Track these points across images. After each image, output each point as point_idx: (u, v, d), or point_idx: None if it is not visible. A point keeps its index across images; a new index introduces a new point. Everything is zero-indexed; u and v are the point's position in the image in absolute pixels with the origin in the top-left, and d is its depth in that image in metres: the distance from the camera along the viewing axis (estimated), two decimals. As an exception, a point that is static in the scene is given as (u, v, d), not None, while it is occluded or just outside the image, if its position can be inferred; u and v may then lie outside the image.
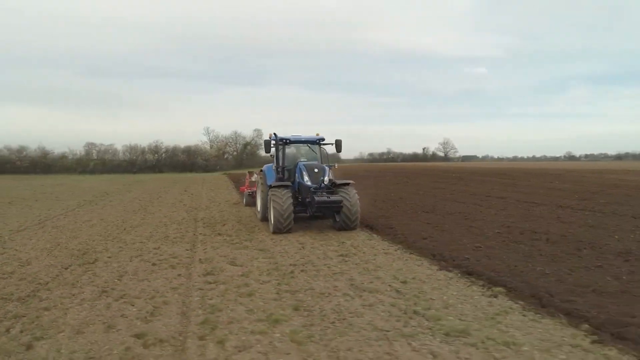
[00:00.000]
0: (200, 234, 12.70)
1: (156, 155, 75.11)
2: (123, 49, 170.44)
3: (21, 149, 73.04)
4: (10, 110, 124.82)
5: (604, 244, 10.01)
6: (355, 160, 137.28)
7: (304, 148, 14.76)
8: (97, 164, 72.90)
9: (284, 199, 11.92)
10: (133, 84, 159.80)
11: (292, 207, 11.98)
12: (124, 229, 13.62)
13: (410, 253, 9.86)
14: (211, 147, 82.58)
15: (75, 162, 73.11)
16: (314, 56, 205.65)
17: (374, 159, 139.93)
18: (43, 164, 70.77)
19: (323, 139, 14.34)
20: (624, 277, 7.49)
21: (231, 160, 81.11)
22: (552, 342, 5.10)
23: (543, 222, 13.24)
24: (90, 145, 78.66)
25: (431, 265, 8.81)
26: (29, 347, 5.15)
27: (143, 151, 74.97)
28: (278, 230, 12.01)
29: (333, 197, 12.13)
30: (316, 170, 12.87)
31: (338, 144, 14.11)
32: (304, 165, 13.06)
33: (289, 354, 4.88)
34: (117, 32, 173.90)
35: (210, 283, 7.63)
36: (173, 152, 75.63)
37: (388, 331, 5.45)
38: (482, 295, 6.88)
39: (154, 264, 9.02)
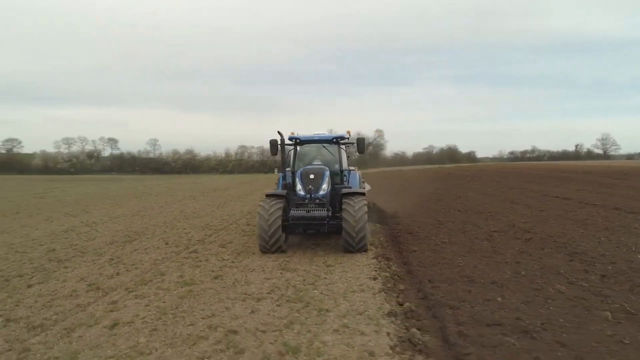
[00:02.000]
0: (235, 224, 15.17)
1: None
2: (269, 59, 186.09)
3: (176, 152, 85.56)
4: (187, 118, 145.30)
5: (577, 245, 9.90)
6: (493, 159, 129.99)
7: (319, 149, 12.41)
8: (235, 164, 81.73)
9: (269, 212, 9.77)
10: (277, 90, 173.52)
11: (279, 223, 9.80)
12: (186, 218, 16.77)
13: (371, 244, 10.98)
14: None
15: (217, 163, 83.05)
16: (459, 51, 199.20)
17: (514, 157, 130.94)
18: (192, 165, 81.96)
19: (342, 137, 11.95)
20: (522, 272, 7.86)
21: (353, 160, 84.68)
22: (357, 312, 6.22)
23: (558, 223, 12.91)
24: (242, 148, 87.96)
25: (374, 254, 9.93)
26: (29, 286, 7.94)
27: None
28: (263, 249, 9.99)
29: (315, 213, 9.90)
30: (312, 176, 10.49)
31: (360, 144, 11.49)
32: (301, 170, 10.93)
33: (164, 302, 6.83)
34: (262, 43, 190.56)
35: (185, 257, 9.90)
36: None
37: (249, 295, 7.06)
38: (367, 277, 7.98)
39: (166, 243, 11.64)
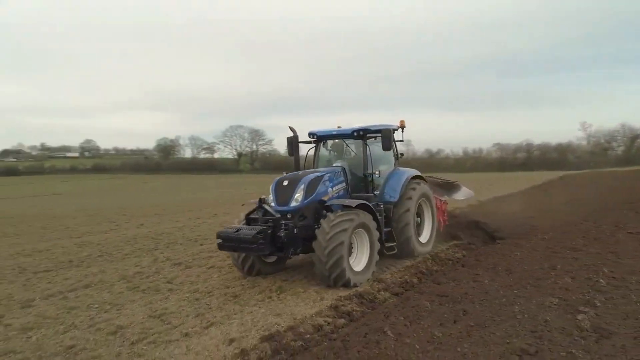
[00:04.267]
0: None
1: (526, 153, 76.20)
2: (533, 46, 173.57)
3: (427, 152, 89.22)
4: (444, 117, 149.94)
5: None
6: None
7: (340, 146, 10.23)
8: (472, 163, 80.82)
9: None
10: (538, 80, 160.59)
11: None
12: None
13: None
14: (588, 143, 75.86)
15: (455, 162, 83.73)
16: None
17: None
18: (429, 164, 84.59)
19: (367, 130, 9.18)
20: (558, 267, 7.87)
21: (613, 156, 72.32)
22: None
23: None
24: (497, 146, 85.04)
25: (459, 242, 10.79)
26: (193, 246, 12.09)
27: (514, 150, 77.64)
28: (238, 269, 8.58)
29: (244, 232, 7.43)
30: (285, 182, 8.32)
31: (385, 137, 8.80)
32: (277, 178, 8.67)
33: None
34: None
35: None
36: (544, 150, 74.75)
37: (289, 267, 9.39)
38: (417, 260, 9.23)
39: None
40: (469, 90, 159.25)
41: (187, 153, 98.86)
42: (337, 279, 7.23)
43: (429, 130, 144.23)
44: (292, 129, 9.66)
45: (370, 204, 8.19)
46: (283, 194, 8.19)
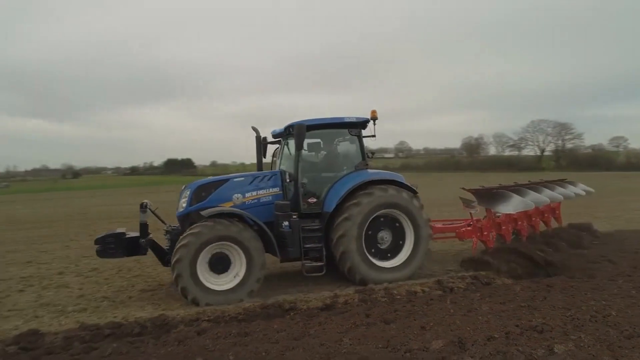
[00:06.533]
0: None
1: None
2: None
3: None
4: None
5: None
6: None
7: (289, 148, 8.80)
8: None
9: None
10: None
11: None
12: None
13: None
14: None
15: None
16: None
17: None
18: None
19: (287, 129, 8.31)
20: None
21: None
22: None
23: None
24: None
25: None
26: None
27: None
28: None
29: (104, 236, 7.62)
30: (184, 187, 8.06)
31: (296, 135, 7.61)
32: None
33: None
34: None
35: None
36: None
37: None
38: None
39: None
40: None
41: (492, 151, 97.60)
42: (183, 294, 6.82)
43: None
44: (254, 129, 9.00)
45: (244, 213, 7.29)
46: (180, 199, 7.96)
